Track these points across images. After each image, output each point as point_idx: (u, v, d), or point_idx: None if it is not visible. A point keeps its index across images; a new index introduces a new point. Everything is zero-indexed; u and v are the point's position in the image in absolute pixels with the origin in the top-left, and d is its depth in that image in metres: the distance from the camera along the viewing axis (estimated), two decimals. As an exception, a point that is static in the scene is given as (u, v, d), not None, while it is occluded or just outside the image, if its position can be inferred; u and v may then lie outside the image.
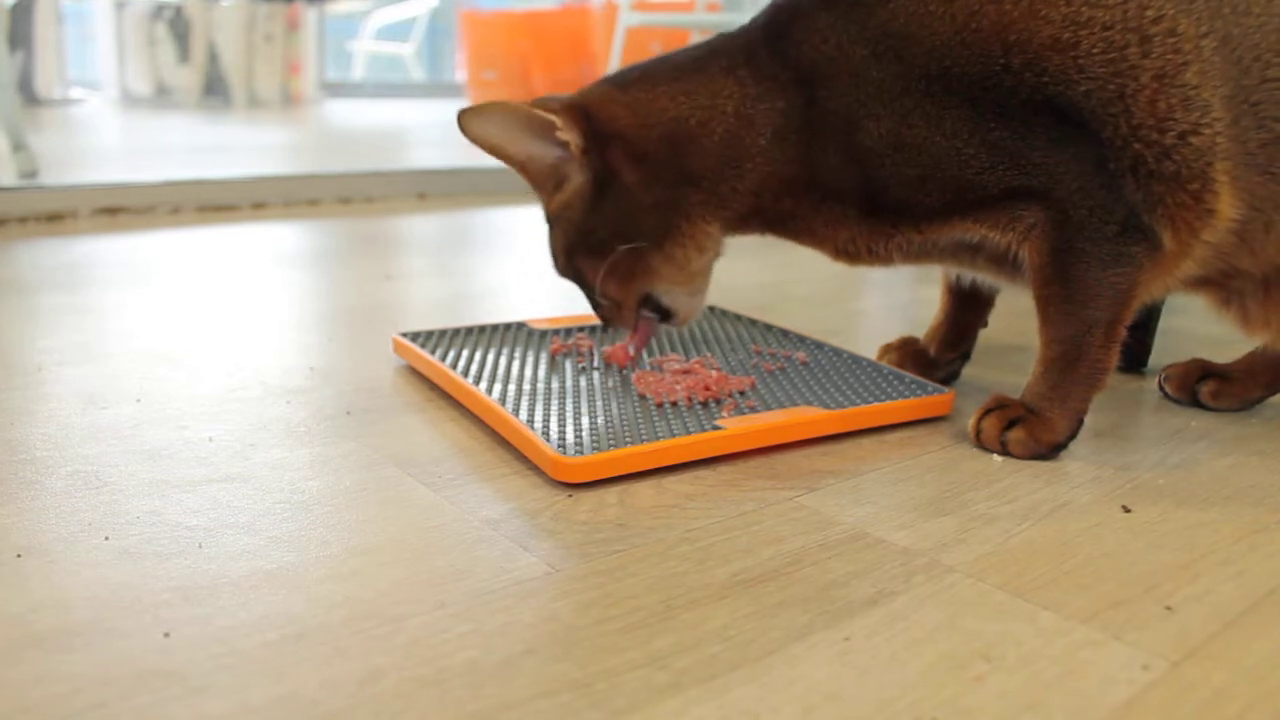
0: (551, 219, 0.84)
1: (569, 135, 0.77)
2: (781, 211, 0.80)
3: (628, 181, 0.78)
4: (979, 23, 0.72)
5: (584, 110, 0.78)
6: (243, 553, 0.59)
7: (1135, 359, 1.00)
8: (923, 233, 0.77)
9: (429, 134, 4.02)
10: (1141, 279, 0.74)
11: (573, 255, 0.82)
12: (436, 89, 6.52)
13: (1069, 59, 0.70)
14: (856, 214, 0.78)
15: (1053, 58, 0.70)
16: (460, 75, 6.12)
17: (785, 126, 0.77)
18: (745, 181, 0.78)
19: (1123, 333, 0.76)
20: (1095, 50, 0.70)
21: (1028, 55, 0.71)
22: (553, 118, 0.77)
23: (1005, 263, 0.78)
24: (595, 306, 0.86)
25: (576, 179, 0.80)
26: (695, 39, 3.68)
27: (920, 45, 0.73)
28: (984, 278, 0.85)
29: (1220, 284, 0.83)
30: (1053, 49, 0.70)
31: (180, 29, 4.75)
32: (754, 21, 0.80)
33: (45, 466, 0.70)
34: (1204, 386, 0.90)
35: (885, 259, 0.81)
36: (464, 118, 0.79)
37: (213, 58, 4.82)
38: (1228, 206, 0.73)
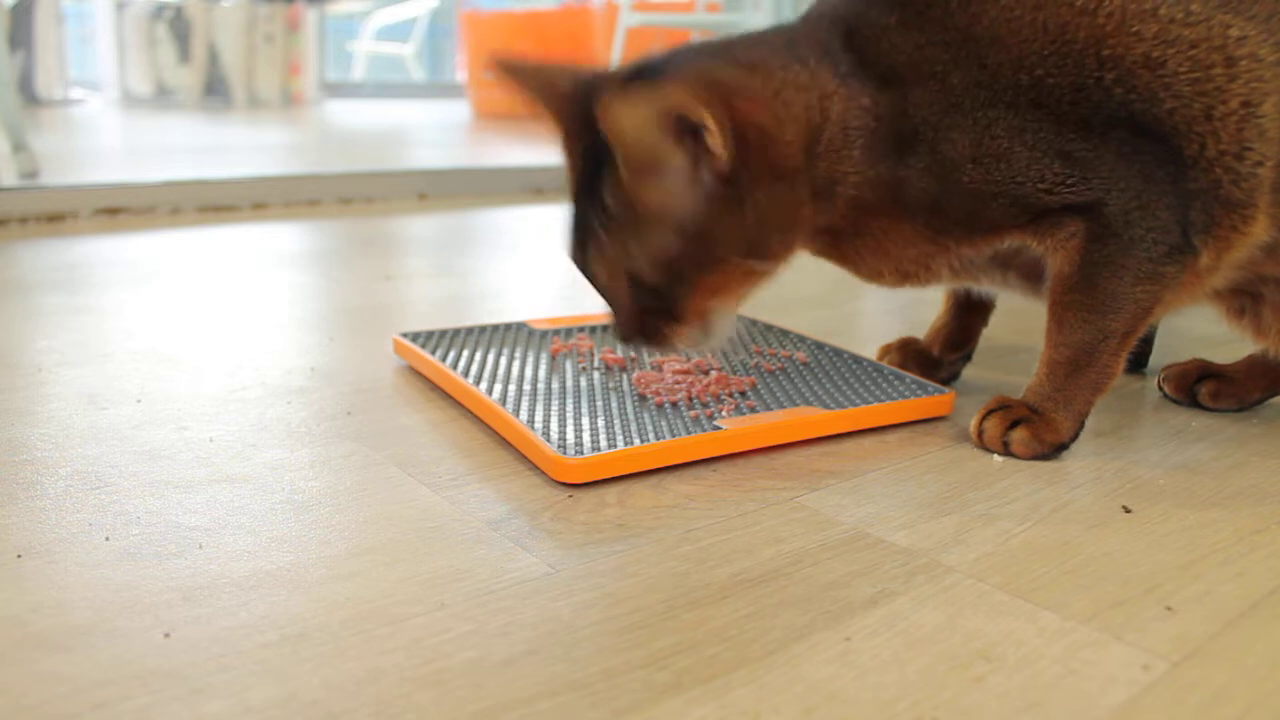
0: (636, 216, 0.68)
1: (715, 141, 0.64)
2: (860, 228, 0.75)
3: (757, 187, 0.68)
4: (1073, 34, 0.70)
5: (726, 99, 0.65)
6: (243, 553, 0.59)
7: (1136, 360, 1.00)
8: (976, 246, 0.76)
9: (429, 134, 4.03)
10: (1166, 296, 0.74)
11: (677, 265, 0.69)
12: (437, 89, 6.52)
13: (1155, 77, 0.69)
14: (926, 231, 0.75)
15: (1142, 75, 0.69)
16: (460, 76, 6.13)
17: (876, 133, 0.72)
18: (840, 192, 0.72)
19: (1134, 343, 0.77)
20: (1181, 69, 0.69)
21: (1120, 71, 0.69)
22: (704, 118, 0.63)
23: (1035, 278, 0.78)
24: (645, 326, 0.73)
25: (695, 177, 0.67)
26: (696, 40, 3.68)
27: (1009, 53, 0.70)
28: (1011, 294, 0.83)
29: (1236, 294, 0.84)
30: (1144, 66, 0.69)
31: (181, 29, 4.76)
32: (812, 13, 0.74)
33: (46, 467, 0.70)
34: (1203, 387, 0.90)
35: (934, 277, 0.79)
36: (616, 111, 0.63)
37: (213, 58, 4.83)
38: (1261, 230, 0.74)
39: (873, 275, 0.80)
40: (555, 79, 0.72)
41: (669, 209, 0.68)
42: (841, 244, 0.78)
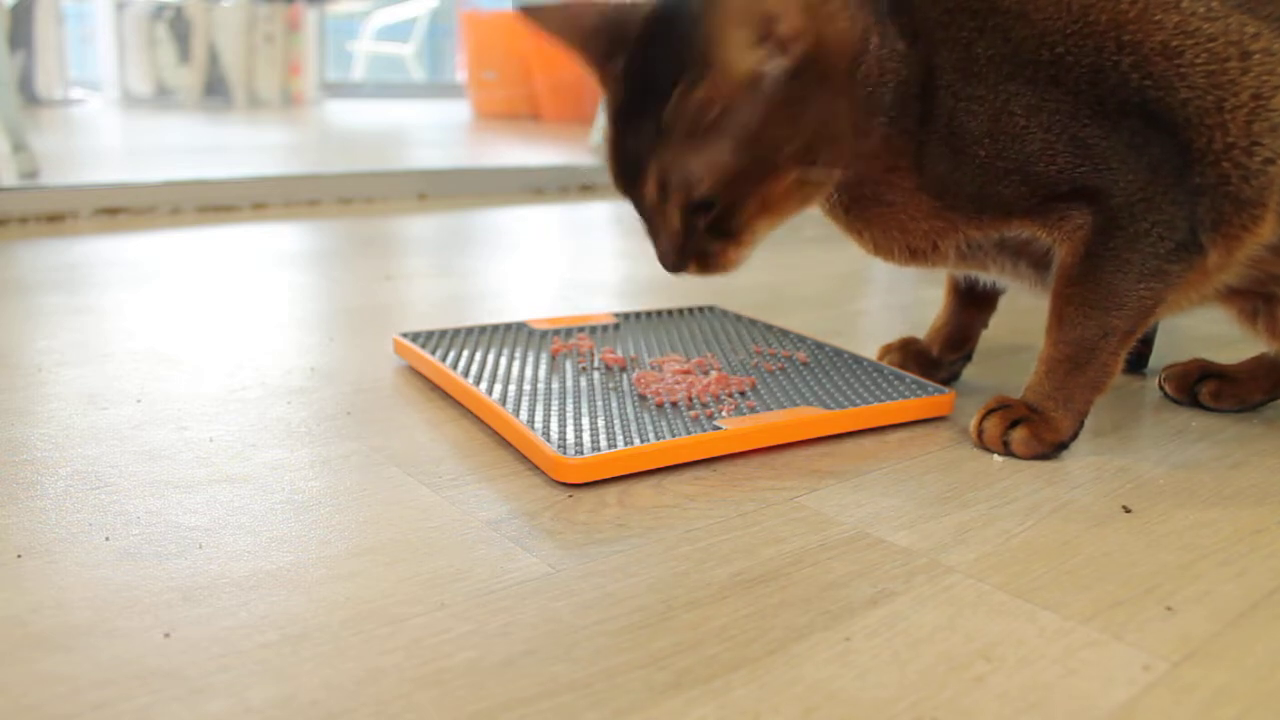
0: (699, 127, 0.69)
1: (790, 27, 0.67)
2: (878, 190, 0.75)
3: (811, 91, 0.69)
4: (1096, 16, 0.71)
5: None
6: (243, 553, 0.59)
7: (1136, 361, 1.00)
8: (983, 229, 0.76)
9: (429, 134, 4.03)
10: (1169, 296, 0.74)
11: (738, 176, 0.70)
12: (436, 89, 6.52)
13: (1172, 65, 0.70)
14: (937, 205, 0.75)
15: (1159, 62, 0.70)
16: (460, 76, 6.12)
17: (906, 83, 0.73)
18: (867, 143, 0.73)
19: (1134, 342, 0.77)
20: (1198, 61, 0.70)
21: (1138, 57, 0.70)
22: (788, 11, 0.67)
23: (1045, 267, 0.78)
24: (694, 250, 0.73)
25: (762, 81, 0.68)
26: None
27: (1033, 28, 0.71)
28: (1021, 286, 0.83)
29: (1248, 296, 0.83)
30: (1162, 54, 0.70)
31: (181, 29, 4.75)
32: None
33: (45, 467, 0.70)
34: (1204, 387, 0.90)
35: (941, 258, 0.79)
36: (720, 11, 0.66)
37: (213, 58, 4.82)
38: (1269, 230, 0.74)
39: (881, 249, 0.80)
40: (581, 16, 0.74)
41: (742, 112, 0.68)
42: (854, 210, 0.78)
